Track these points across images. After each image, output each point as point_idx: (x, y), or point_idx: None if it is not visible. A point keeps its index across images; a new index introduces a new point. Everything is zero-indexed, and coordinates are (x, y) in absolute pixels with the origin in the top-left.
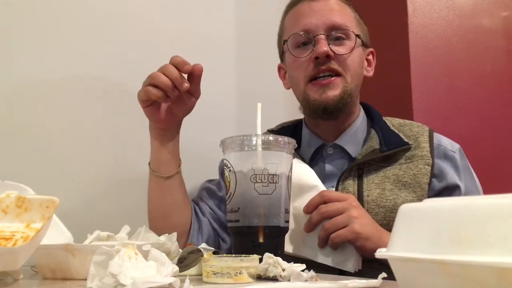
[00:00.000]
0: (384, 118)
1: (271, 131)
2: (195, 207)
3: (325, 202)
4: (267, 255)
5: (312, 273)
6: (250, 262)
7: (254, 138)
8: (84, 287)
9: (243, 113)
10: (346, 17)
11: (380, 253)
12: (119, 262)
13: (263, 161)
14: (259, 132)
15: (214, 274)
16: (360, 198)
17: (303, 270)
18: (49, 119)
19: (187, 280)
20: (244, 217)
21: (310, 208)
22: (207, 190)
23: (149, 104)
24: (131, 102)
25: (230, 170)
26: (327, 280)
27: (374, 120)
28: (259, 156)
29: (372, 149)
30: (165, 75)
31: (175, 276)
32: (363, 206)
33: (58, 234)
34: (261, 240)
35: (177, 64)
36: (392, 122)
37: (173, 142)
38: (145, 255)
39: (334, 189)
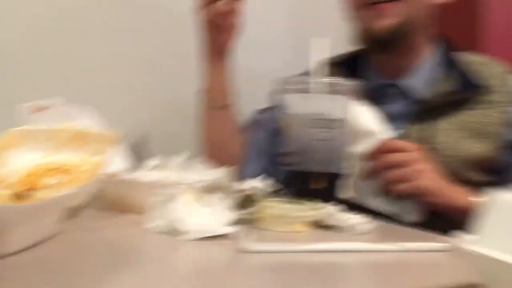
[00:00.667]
0: (462, 55)
1: (331, 64)
2: (247, 138)
3: (388, 152)
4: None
5: (369, 225)
6: (307, 211)
7: (313, 81)
8: (142, 224)
9: (299, 41)
10: None
11: (471, 248)
12: (178, 207)
13: (322, 106)
14: (316, 71)
15: (272, 220)
16: (428, 145)
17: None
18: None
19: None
20: (300, 162)
21: (371, 157)
22: (258, 122)
23: (211, 25)
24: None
25: (286, 112)
26: (386, 242)
27: (450, 57)
28: (317, 100)
29: (445, 91)
30: None
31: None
32: (432, 155)
33: (118, 163)
34: (317, 185)
35: None
36: (471, 59)
37: (227, 72)
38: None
39: (397, 134)
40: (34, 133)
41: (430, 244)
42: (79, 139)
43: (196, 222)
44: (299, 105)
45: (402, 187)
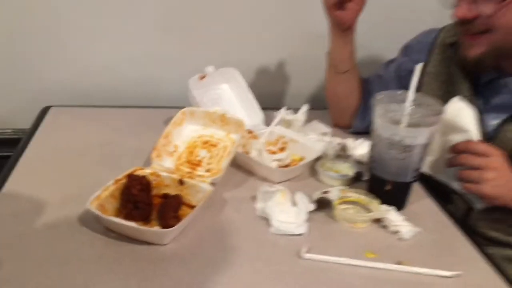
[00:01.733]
0: None
1: (451, 44)
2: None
3: (469, 151)
4: (384, 207)
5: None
6: (367, 214)
7: (399, 112)
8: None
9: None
10: None
11: None
12: (272, 206)
13: (402, 134)
14: (411, 97)
15: (341, 218)
16: None
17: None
18: None
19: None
20: (378, 168)
21: (455, 151)
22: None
23: (333, 5)
24: None
25: (375, 128)
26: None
27: None
28: (399, 130)
29: None
30: None
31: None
32: None
33: (254, 114)
34: (388, 188)
35: None
36: None
37: (350, 44)
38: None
39: (498, 123)
40: (196, 112)
41: (439, 271)
42: (222, 120)
43: (280, 220)
44: (385, 129)
45: (468, 185)
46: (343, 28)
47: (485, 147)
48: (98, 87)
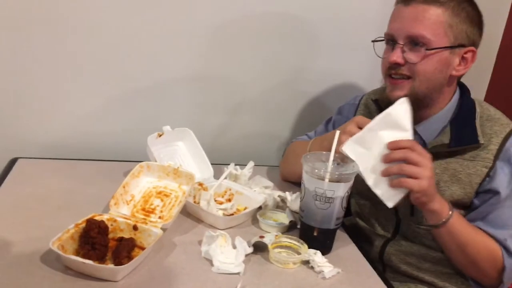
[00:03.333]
0: (479, 104)
1: (374, 100)
2: None
3: (410, 149)
4: (311, 251)
5: (333, 272)
6: (296, 256)
7: (322, 170)
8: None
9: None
10: (430, 26)
11: None
12: (214, 248)
13: (324, 188)
14: (331, 161)
15: (274, 260)
16: None
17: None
18: None
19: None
20: (306, 217)
21: (396, 146)
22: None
23: None
24: None
25: (302, 183)
26: None
27: (460, 111)
28: (322, 184)
29: (441, 142)
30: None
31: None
32: None
33: (205, 168)
34: (315, 234)
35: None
36: (484, 112)
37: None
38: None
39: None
40: (152, 166)
41: None
42: (175, 173)
43: (221, 260)
44: (310, 183)
45: (407, 180)
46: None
47: (423, 150)
48: (64, 141)
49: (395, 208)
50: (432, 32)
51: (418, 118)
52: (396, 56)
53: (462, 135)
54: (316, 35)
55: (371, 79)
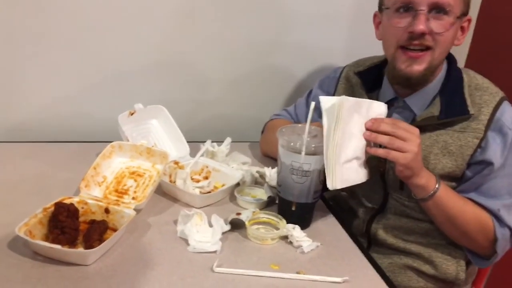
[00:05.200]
0: (467, 74)
1: (357, 73)
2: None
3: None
4: (290, 226)
5: (312, 246)
6: (275, 232)
7: (298, 143)
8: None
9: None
10: None
11: None
12: (190, 228)
13: (301, 161)
14: (306, 134)
15: (252, 237)
16: None
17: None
18: None
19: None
20: (283, 192)
21: (379, 124)
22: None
23: None
24: None
25: (279, 157)
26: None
27: (448, 81)
28: (298, 158)
29: (431, 115)
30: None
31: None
32: None
33: (180, 146)
34: (293, 209)
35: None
36: (472, 81)
37: None
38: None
39: None
40: (124, 146)
41: (330, 278)
42: (148, 152)
43: (197, 239)
44: (286, 157)
45: (392, 152)
46: None
47: (408, 125)
48: (32, 123)
49: (384, 181)
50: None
51: (410, 91)
52: (422, 23)
53: (451, 106)
54: (289, 6)
55: (348, 50)
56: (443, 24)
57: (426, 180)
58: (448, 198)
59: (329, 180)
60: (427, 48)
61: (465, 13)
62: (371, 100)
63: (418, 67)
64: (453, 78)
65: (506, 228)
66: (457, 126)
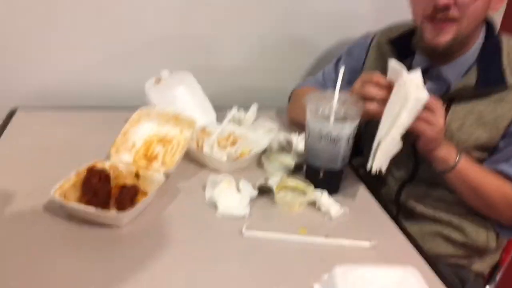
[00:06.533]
0: (507, 40)
1: (388, 41)
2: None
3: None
4: (318, 192)
5: (340, 212)
6: (303, 197)
7: (327, 109)
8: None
9: None
10: None
11: None
12: (218, 193)
13: (330, 128)
14: (335, 100)
15: (280, 202)
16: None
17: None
18: None
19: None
20: (311, 158)
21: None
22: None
23: None
24: None
25: (307, 123)
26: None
27: (486, 49)
28: (326, 124)
29: (467, 84)
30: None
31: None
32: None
33: (207, 113)
34: (321, 175)
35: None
36: (511, 47)
37: None
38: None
39: None
40: (151, 112)
41: (359, 242)
42: (175, 119)
43: (225, 204)
44: (315, 124)
45: (421, 123)
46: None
47: (437, 101)
48: (62, 89)
49: (415, 149)
50: None
51: (445, 59)
52: None
53: (488, 76)
54: None
55: (375, 16)
56: None
57: (446, 152)
58: (470, 170)
59: (376, 162)
60: (454, 19)
61: None
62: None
63: (444, 38)
64: (491, 46)
65: None
66: (494, 96)
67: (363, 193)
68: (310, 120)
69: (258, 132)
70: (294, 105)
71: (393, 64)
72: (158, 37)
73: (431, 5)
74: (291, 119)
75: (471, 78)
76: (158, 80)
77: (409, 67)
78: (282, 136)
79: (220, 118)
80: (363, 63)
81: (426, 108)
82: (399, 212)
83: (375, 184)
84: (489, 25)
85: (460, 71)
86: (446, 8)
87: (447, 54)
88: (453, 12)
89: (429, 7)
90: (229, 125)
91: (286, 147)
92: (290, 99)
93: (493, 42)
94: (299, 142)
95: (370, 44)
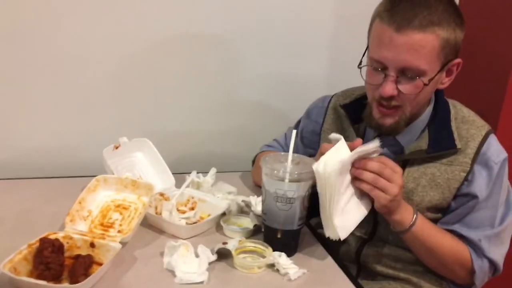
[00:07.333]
0: (453, 106)
1: (342, 106)
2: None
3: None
4: (276, 254)
5: (299, 273)
6: (261, 260)
7: (281, 170)
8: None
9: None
10: (425, 56)
11: None
12: (176, 259)
13: (285, 189)
14: (289, 160)
15: (239, 266)
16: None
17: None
18: None
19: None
20: (269, 220)
21: (366, 162)
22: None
23: None
24: None
25: (263, 185)
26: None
27: (436, 115)
28: (282, 185)
29: (419, 148)
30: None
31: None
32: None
33: (166, 178)
34: (279, 236)
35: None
36: (458, 113)
37: None
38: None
39: None
40: (109, 179)
41: None
42: (133, 185)
43: (183, 270)
44: (270, 185)
45: (376, 191)
46: None
47: (394, 164)
48: (15, 159)
49: (374, 210)
50: (427, 60)
51: (394, 133)
52: (390, 88)
53: (439, 140)
54: (273, 35)
55: (329, 79)
56: (414, 85)
57: (402, 216)
58: (425, 231)
59: (330, 232)
60: (398, 106)
61: (449, 60)
62: (364, 147)
63: (389, 121)
64: (441, 111)
65: (485, 259)
66: (445, 159)
67: (321, 253)
68: (266, 181)
69: (217, 196)
70: (257, 169)
71: (332, 136)
72: (115, 104)
73: (378, 93)
74: (255, 183)
75: (423, 142)
76: (116, 147)
77: (363, 131)
78: (240, 198)
79: (179, 183)
80: (322, 125)
81: (384, 176)
82: (360, 272)
83: (335, 243)
84: (438, 90)
85: (413, 135)
86: (390, 98)
87: (393, 130)
88: (396, 101)
89: (376, 93)
90: (188, 190)
91: (245, 210)
92: (253, 162)
93: (442, 108)
94: (257, 204)
95: (327, 106)
